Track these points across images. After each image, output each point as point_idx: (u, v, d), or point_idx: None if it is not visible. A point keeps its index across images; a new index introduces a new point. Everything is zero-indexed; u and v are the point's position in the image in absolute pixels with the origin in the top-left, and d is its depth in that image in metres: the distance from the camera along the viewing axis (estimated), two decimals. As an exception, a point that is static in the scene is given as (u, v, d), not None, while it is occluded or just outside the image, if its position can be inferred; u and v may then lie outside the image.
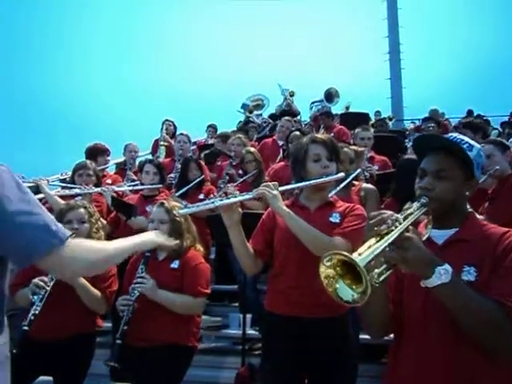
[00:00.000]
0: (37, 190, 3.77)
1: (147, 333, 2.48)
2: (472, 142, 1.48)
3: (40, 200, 3.79)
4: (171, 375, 2.51)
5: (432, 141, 1.54)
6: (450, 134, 1.54)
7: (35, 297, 2.35)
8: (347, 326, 2.15)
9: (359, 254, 1.16)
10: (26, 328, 2.28)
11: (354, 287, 1.18)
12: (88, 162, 4.14)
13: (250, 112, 10.87)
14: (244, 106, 10.96)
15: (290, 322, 2.10)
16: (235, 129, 8.59)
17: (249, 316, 3.75)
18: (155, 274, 2.54)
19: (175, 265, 2.62)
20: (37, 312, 2.32)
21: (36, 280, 2.38)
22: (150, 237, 1.74)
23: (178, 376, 2.55)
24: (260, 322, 3.56)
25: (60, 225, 1.24)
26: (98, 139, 5.21)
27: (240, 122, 9.99)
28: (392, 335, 1.54)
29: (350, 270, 1.18)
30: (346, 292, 1.20)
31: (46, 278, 2.40)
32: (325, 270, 1.21)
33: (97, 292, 2.50)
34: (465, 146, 1.44)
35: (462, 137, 1.50)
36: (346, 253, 1.17)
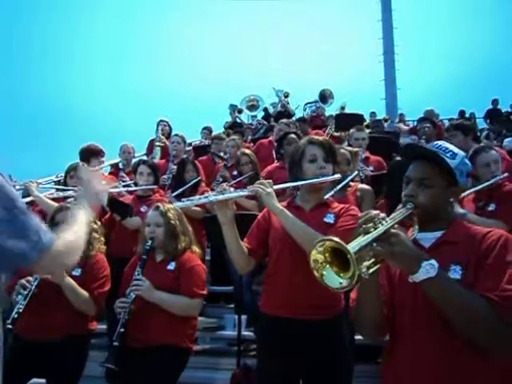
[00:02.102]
0: (27, 192, 3.74)
1: (143, 334, 2.48)
2: (456, 151, 1.54)
3: (29, 203, 3.76)
4: (166, 376, 2.51)
5: (416, 150, 1.62)
6: (435, 143, 1.60)
7: (19, 296, 2.38)
8: (341, 326, 2.16)
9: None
10: (9, 326, 2.28)
11: (341, 275, 1.25)
12: (80, 163, 4.12)
13: (239, 112, 10.88)
14: (232, 107, 10.97)
15: (285, 323, 2.10)
16: (225, 130, 8.62)
17: (244, 317, 3.75)
18: (152, 275, 2.56)
19: (171, 266, 2.64)
20: (20, 310, 2.34)
21: (22, 281, 2.41)
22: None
23: (173, 377, 2.55)
24: (255, 323, 3.56)
25: (46, 230, 1.25)
26: (98, 140, 5.20)
27: (227, 122, 9.99)
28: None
29: (338, 258, 1.25)
30: (334, 279, 1.27)
31: (31, 278, 2.43)
32: (315, 254, 1.29)
33: (84, 293, 2.50)
34: (448, 155, 1.51)
35: (446, 145, 1.55)
36: (337, 239, 1.23)
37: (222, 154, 5.57)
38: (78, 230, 1.47)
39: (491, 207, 3.09)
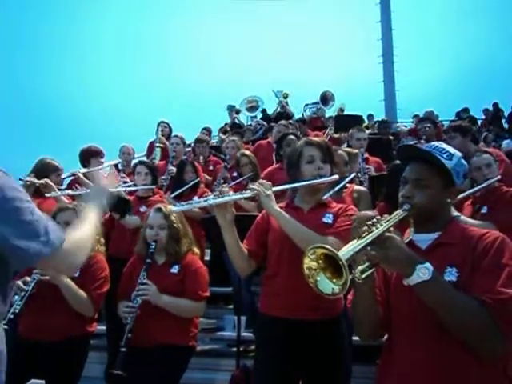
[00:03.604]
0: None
1: (150, 334, 2.50)
2: (453, 151, 1.53)
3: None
4: (171, 375, 2.54)
5: (412, 151, 1.62)
6: (432, 143, 1.60)
7: (16, 297, 2.38)
8: (341, 327, 2.16)
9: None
10: (5, 327, 2.28)
11: (334, 280, 1.25)
12: (51, 159, 4.03)
13: (237, 113, 10.89)
14: (229, 108, 10.96)
15: (284, 323, 2.10)
16: (222, 129, 8.63)
17: (243, 318, 3.75)
18: (156, 279, 2.57)
19: (175, 269, 2.67)
20: (16, 311, 2.34)
21: (18, 282, 2.41)
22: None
23: (177, 376, 2.58)
24: (254, 323, 3.57)
25: (56, 228, 1.26)
26: (104, 140, 5.21)
27: (226, 123, 9.97)
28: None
29: (331, 264, 1.24)
30: (327, 285, 1.27)
31: (28, 279, 2.43)
32: (308, 262, 1.28)
33: (83, 294, 2.50)
34: (444, 156, 1.50)
35: (443, 146, 1.55)
36: (328, 246, 1.23)
37: (202, 158, 5.68)
38: (86, 230, 1.45)
39: (484, 210, 3.16)
